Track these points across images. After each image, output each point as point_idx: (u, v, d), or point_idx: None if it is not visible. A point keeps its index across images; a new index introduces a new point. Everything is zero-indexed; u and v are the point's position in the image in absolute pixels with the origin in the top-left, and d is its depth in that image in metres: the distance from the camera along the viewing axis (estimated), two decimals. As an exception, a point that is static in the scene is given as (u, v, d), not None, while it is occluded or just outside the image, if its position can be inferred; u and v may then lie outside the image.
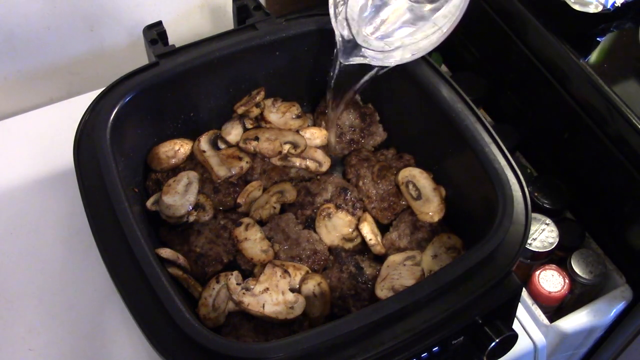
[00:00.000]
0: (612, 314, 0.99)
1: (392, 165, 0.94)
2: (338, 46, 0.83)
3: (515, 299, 0.76)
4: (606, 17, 1.00)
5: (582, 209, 1.07)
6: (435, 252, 0.84)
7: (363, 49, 0.82)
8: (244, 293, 0.76)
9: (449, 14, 0.78)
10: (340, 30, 0.82)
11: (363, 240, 0.87)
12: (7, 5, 1.05)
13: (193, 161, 0.93)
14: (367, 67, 0.86)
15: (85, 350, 0.88)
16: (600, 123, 0.96)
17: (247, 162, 0.93)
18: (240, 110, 0.95)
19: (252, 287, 0.76)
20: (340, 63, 0.84)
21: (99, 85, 0.91)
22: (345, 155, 0.98)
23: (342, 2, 0.80)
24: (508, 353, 0.77)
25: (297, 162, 0.93)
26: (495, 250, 0.72)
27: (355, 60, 0.83)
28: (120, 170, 0.78)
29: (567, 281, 0.99)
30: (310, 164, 0.93)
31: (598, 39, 1.02)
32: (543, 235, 1.01)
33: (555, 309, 1.03)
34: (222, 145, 0.95)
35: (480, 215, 0.80)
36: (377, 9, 0.82)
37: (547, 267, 1.01)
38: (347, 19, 0.80)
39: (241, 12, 0.99)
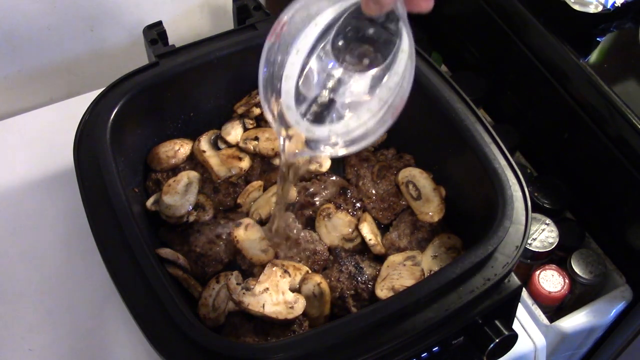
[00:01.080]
0: (612, 314, 0.99)
1: (392, 165, 0.94)
2: (279, 142, 0.70)
3: (515, 299, 0.76)
4: (606, 17, 1.00)
5: (582, 209, 1.07)
6: (435, 252, 0.84)
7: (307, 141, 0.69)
8: (244, 293, 0.76)
9: (394, 85, 0.65)
10: (278, 123, 0.68)
11: (363, 240, 0.87)
12: (7, 5, 1.05)
13: (193, 161, 0.93)
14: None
15: (85, 350, 0.88)
16: (600, 123, 0.96)
17: (247, 162, 0.93)
18: (240, 110, 0.95)
19: (252, 287, 0.76)
20: (285, 160, 0.73)
21: (99, 85, 0.91)
22: (345, 155, 0.98)
23: (271, 91, 0.67)
24: (508, 353, 0.77)
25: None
26: (495, 250, 0.72)
27: (302, 154, 0.71)
28: (120, 170, 0.78)
29: (567, 281, 0.99)
30: (310, 164, 0.93)
31: (598, 39, 1.02)
32: (543, 235, 1.01)
33: (555, 309, 1.03)
34: (222, 145, 0.95)
35: (480, 215, 0.80)
36: (314, 90, 0.69)
37: (547, 267, 1.01)
38: (282, 109, 0.67)
39: (241, 12, 0.99)
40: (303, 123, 0.68)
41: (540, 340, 0.93)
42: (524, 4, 1.04)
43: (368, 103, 0.67)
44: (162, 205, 0.86)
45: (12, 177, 1.05)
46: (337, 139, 0.68)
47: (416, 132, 0.94)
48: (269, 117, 0.68)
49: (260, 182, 0.92)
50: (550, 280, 0.99)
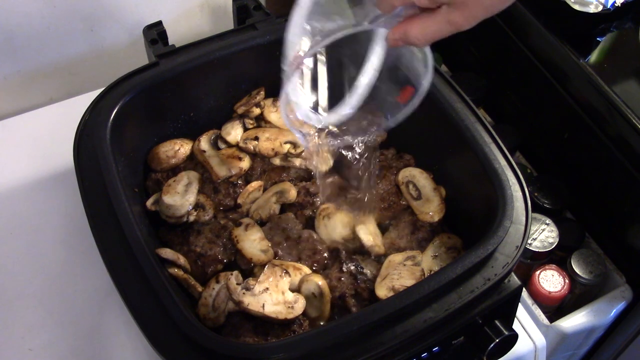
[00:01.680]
0: (612, 314, 0.99)
1: (392, 165, 0.94)
2: (301, 142, 0.74)
3: (515, 299, 0.76)
4: (606, 17, 1.00)
5: (582, 209, 1.07)
6: (435, 252, 0.84)
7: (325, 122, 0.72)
8: (243, 293, 0.76)
9: (382, 50, 0.67)
10: (291, 123, 0.71)
11: (363, 240, 0.87)
12: (7, 5, 1.05)
13: (193, 161, 0.93)
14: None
15: (85, 350, 0.88)
16: (600, 123, 0.96)
17: (247, 162, 0.93)
18: (240, 110, 0.95)
19: (252, 287, 0.76)
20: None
21: (99, 85, 0.91)
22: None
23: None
24: (508, 353, 0.77)
25: (297, 162, 0.93)
26: (495, 250, 0.72)
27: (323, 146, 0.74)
28: (120, 170, 0.78)
29: (567, 281, 0.99)
30: (310, 164, 0.93)
31: (598, 39, 1.02)
32: (543, 235, 1.01)
33: (555, 309, 1.03)
34: (222, 145, 0.95)
35: (480, 215, 0.80)
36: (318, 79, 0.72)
37: (547, 267, 1.01)
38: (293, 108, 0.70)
39: (241, 12, 0.99)
40: (314, 116, 0.71)
41: (540, 340, 0.93)
42: (524, 4, 1.04)
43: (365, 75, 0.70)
44: (162, 205, 0.86)
45: (12, 177, 1.05)
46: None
47: (416, 132, 0.94)
48: (287, 123, 0.70)
49: (260, 182, 0.92)
50: (550, 280, 0.99)
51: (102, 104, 0.85)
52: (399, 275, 0.81)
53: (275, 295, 0.76)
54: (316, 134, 0.73)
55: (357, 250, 0.87)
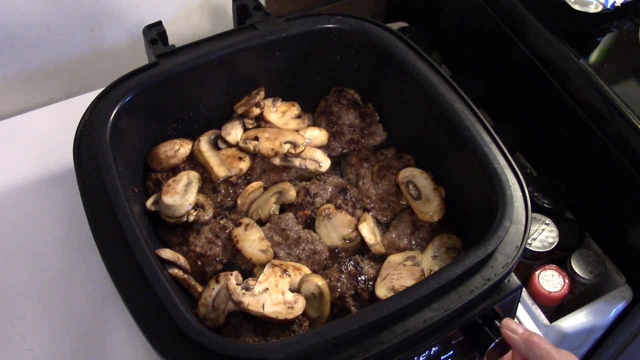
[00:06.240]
0: (612, 314, 0.99)
1: (392, 165, 0.94)
2: None
3: (515, 299, 0.76)
4: (606, 17, 1.00)
5: (582, 209, 1.07)
6: (435, 252, 0.84)
7: None
8: (243, 293, 0.76)
9: None
10: None
11: (363, 240, 0.87)
12: (7, 5, 1.05)
13: (193, 161, 0.93)
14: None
15: (85, 350, 0.88)
16: (600, 123, 0.96)
17: (247, 162, 0.93)
18: (240, 110, 0.95)
19: (251, 287, 0.76)
20: None
21: (99, 85, 0.91)
22: (345, 155, 0.98)
23: None
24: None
25: (297, 162, 0.93)
26: (495, 250, 0.72)
27: None
28: (120, 170, 0.78)
29: (567, 281, 0.99)
30: (309, 164, 0.93)
31: (598, 39, 1.02)
32: (543, 235, 1.01)
33: (555, 309, 1.03)
34: (222, 145, 0.95)
35: (480, 215, 0.80)
36: None
37: (547, 267, 1.01)
38: None
39: (241, 12, 0.99)
40: None
41: (540, 340, 0.93)
42: (524, 4, 1.04)
43: None
44: (161, 205, 0.86)
45: (12, 177, 1.05)
46: None
47: (416, 132, 0.94)
48: None
49: (260, 183, 0.92)
50: (550, 280, 0.99)
51: (102, 104, 0.85)
52: (399, 275, 0.81)
53: (275, 295, 0.76)
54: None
55: (357, 250, 0.87)
